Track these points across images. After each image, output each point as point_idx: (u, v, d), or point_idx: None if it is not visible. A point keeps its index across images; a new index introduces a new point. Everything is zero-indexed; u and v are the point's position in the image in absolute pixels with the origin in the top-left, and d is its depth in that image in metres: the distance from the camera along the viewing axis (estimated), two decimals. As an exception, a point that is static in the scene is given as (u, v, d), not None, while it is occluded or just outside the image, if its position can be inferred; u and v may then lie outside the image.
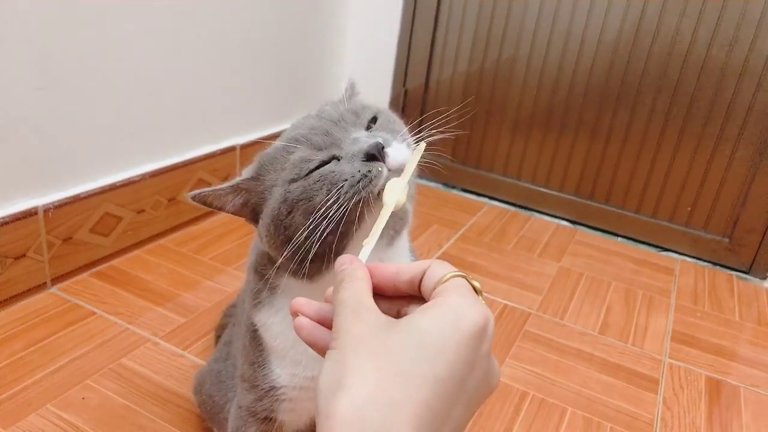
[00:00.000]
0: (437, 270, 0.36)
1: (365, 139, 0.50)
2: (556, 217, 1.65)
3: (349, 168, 0.48)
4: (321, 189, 0.49)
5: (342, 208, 0.47)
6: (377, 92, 1.78)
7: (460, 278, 0.35)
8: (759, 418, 0.99)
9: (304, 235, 0.49)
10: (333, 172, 0.49)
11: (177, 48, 1.24)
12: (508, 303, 1.23)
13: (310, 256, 0.49)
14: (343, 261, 0.38)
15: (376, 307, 0.35)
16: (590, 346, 1.12)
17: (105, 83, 1.11)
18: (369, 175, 0.47)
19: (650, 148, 1.49)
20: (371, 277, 0.37)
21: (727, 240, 1.47)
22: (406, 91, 1.76)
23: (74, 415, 0.84)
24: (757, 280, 1.44)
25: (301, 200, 0.50)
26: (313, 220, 0.48)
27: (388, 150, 0.48)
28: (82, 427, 0.83)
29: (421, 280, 0.37)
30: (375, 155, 0.48)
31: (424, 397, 0.30)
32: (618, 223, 1.58)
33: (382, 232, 0.51)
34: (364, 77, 1.80)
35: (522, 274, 1.35)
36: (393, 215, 0.52)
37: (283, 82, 1.59)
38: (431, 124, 0.53)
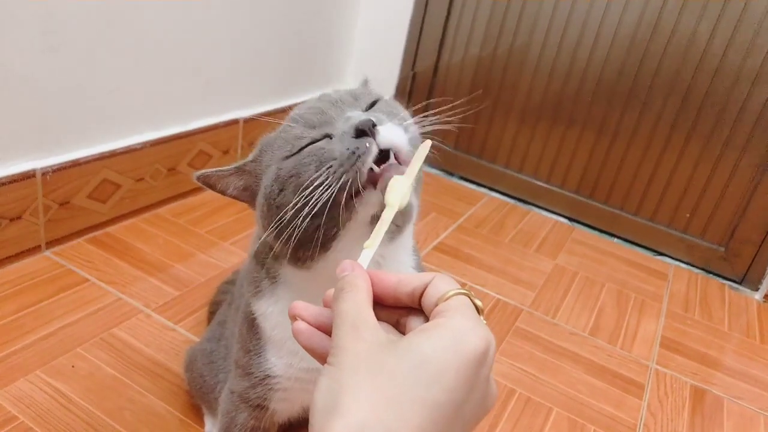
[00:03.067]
0: (440, 285, 0.35)
1: (357, 116, 0.49)
2: (554, 213, 1.64)
3: (338, 146, 0.47)
4: (310, 165, 0.48)
5: (330, 188, 0.46)
6: (386, 74, 1.76)
7: (463, 296, 0.35)
8: (740, 430, 1.00)
9: (291, 212, 0.48)
10: (322, 149, 0.48)
11: (185, 17, 1.21)
12: (501, 297, 1.24)
13: (296, 236, 0.49)
14: (344, 267, 0.37)
15: (376, 322, 0.34)
16: (579, 347, 1.13)
17: (111, 48, 1.09)
18: (357, 152, 0.46)
19: (656, 151, 1.49)
20: (372, 286, 0.37)
21: (722, 249, 1.47)
22: (414, 75, 1.73)
23: (63, 383, 0.84)
24: (748, 291, 1.45)
25: (291, 177, 0.49)
26: (301, 197, 0.47)
27: (379, 127, 0.47)
28: (70, 395, 0.83)
29: (422, 294, 0.36)
30: (365, 131, 0.47)
31: (421, 423, 0.30)
32: (616, 223, 1.58)
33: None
34: (372, 58, 1.78)
35: (517, 269, 1.36)
36: (399, 211, 0.51)
37: (290, 58, 1.56)
38: (436, 113, 0.51)
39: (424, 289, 0.36)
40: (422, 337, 0.32)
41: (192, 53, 1.27)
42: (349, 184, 0.46)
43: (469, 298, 0.35)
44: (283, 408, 0.64)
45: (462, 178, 1.75)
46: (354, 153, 0.46)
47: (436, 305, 0.35)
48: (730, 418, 1.03)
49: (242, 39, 1.39)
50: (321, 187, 0.46)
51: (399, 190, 0.43)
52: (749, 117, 1.37)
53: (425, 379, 0.30)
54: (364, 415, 0.29)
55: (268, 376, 0.60)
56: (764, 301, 1.42)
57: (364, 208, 0.48)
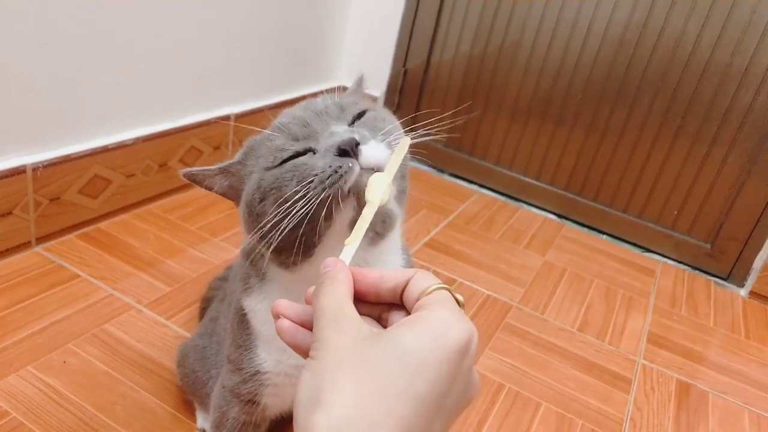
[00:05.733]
0: (421, 281, 0.36)
1: (341, 134, 0.49)
2: (544, 210, 1.66)
3: (321, 162, 0.48)
4: (291, 180, 0.48)
5: (309, 203, 0.46)
6: (377, 71, 1.76)
7: (444, 291, 0.35)
8: (725, 424, 1.02)
9: (271, 224, 0.48)
10: (305, 164, 0.48)
11: (178, 13, 1.21)
12: (491, 294, 1.25)
13: (274, 245, 0.49)
14: (327, 264, 0.37)
15: (357, 315, 0.35)
16: (568, 342, 1.14)
17: (103, 43, 1.09)
18: (339, 171, 0.46)
19: (644, 149, 1.50)
20: (353, 282, 0.37)
21: (709, 246, 1.49)
22: (405, 71, 1.74)
23: (55, 378, 0.85)
24: (734, 287, 1.47)
25: (273, 189, 0.50)
26: (281, 211, 0.47)
27: (362, 147, 0.47)
28: (62, 391, 0.83)
29: (404, 289, 0.36)
30: (348, 151, 0.47)
31: (404, 415, 0.30)
32: (604, 220, 1.59)
33: (367, 231, 0.51)
34: (364, 54, 1.78)
35: (506, 266, 1.37)
36: (378, 217, 0.51)
37: (282, 54, 1.56)
38: (424, 125, 0.51)
39: (406, 285, 0.36)
40: (404, 329, 0.33)
41: (184, 49, 1.26)
42: (329, 200, 0.47)
43: (450, 292, 0.35)
44: (274, 403, 0.64)
45: (453, 175, 1.76)
46: (336, 172, 0.46)
47: (418, 300, 0.35)
48: (714, 412, 1.05)
49: (235, 35, 1.39)
50: (301, 202, 0.46)
51: (379, 187, 0.43)
52: (735, 116, 1.38)
53: (408, 371, 0.31)
54: (347, 408, 0.30)
55: (259, 371, 0.61)
56: (749, 297, 1.44)
57: (342, 217, 0.49)
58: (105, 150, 1.16)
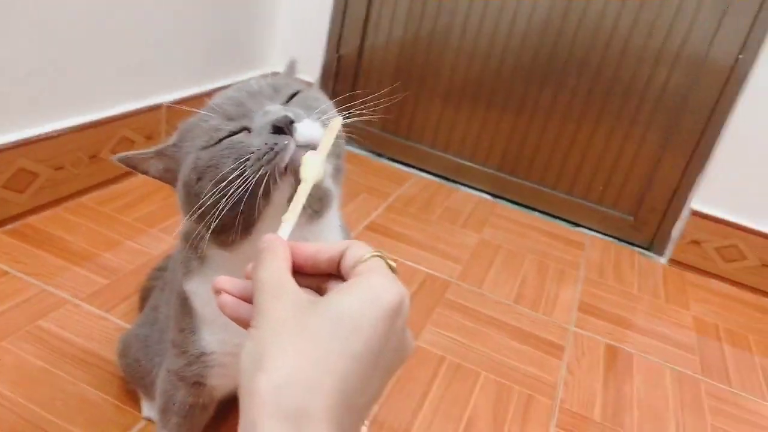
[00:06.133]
0: (356, 250, 0.38)
1: (275, 112, 0.50)
2: (478, 190, 1.71)
3: (256, 140, 0.48)
4: (228, 158, 0.49)
5: (247, 181, 0.47)
6: (311, 57, 1.76)
7: (378, 258, 0.37)
8: (648, 382, 1.10)
9: (210, 203, 0.49)
10: (241, 142, 0.49)
11: (101, -3, 1.18)
12: (431, 272, 1.29)
13: (214, 225, 0.50)
14: (264, 239, 0.39)
15: (295, 285, 0.36)
16: (504, 315, 1.20)
17: (24, 31, 1.04)
18: (275, 148, 0.47)
19: (570, 129, 1.57)
20: (291, 255, 0.38)
21: (632, 218, 1.59)
22: (339, 57, 1.75)
23: (-12, 377, 0.82)
24: (655, 256, 1.57)
25: (209, 168, 0.50)
26: (219, 189, 0.48)
27: (297, 125, 0.48)
28: (-3, 389, 0.81)
29: (340, 260, 0.38)
30: (282, 129, 0.48)
31: (342, 374, 0.32)
32: (536, 198, 1.66)
33: (305, 209, 0.53)
34: (297, 40, 1.78)
35: (445, 245, 1.41)
36: (312, 195, 0.53)
37: (212, 41, 1.54)
38: (358, 104, 0.53)
39: (342, 255, 0.38)
40: (340, 295, 0.35)
41: (111, 36, 1.23)
42: (266, 177, 0.47)
43: (384, 259, 0.37)
44: (221, 383, 0.65)
45: (390, 159, 1.78)
46: (272, 149, 0.47)
47: (354, 268, 0.37)
48: (639, 371, 1.13)
49: (164, 21, 1.35)
50: (238, 180, 0.47)
51: (312, 165, 0.44)
52: (652, 95, 1.47)
53: (344, 333, 0.33)
54: (287, 369, 0.31)
55: (204, 353, 0.62)
56: (669, 265, 1.54)
57: (281, 195, 0.50)
58: (29, 142, 1.11)
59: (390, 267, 0.37)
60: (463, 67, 1.62)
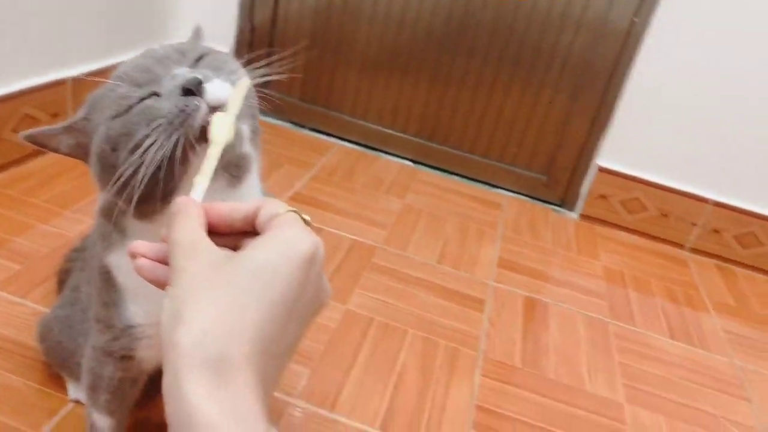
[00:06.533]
0: (270, 207, 0.38)
1: (184, 74, 0.49)
2: (400, 157, 1.75)
3: (167, 104, 0.48)
4: (140, 125, 0.48)
5: (162, 146, 0.47)
6: (223, 27, 1.71)
7: (292, 213, 0.38)
8: (563, 328, 1.18)
9: (129, 172, 0.48)
10: (151, 107, 0.49)
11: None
12: (357, 238, 1.31)
13: (136, 195, 0.49)
14: (177, 201, 0.39)
15: (210, 243, 0.37)
16: (429, 275, 1.25)
17: None
18: (186, 110, 0.47)
19: (483, 94, 1.63)
20: (206, 216, 0.39)
21: (545, 178, 1.67)
22: (252, 28, 1.71)
23: None
24: (567, 212, 1.67)
25: (122, 136, 0.50)
26: (136, 157, 0.48)
27: (207, 85, 0.48)
28: None
29: (255, 218, 0.39)
30: (192, 90, 0.47)
31: (260, 322, 0.33)
32: (454, 162, 1.72)
33: (220, 175, 0.53)
34: (207, 11, 1.72)
35: (369, 212, 1.44)
36: (229, 160, 0.53)
37: (116, 12, 1.47)
38: (266, 64, 0.53)
39: (257, 213, 0.39)
40: (256, 247, 0.36)
41: (3, 7, 1.15)
42: (182, 141, 0.47)
43: (298, 214, 0.38)
44: (150, 355, 0.65)
45: (311, 129, 1.78)
46: (183, 111, 0.47)
47: (268, 223, 0.37)
48: (554, 319, 1.21)
49: (60, -9, 1.28)
50: (153, 146, 0.47)
51: (222, 125, 0.45)
52: (558, 59, 1.55)
53: (260, 283, 0.34)
54: (206, 320, 0.32)
55: (130, 325, 0.61)
56: (580, 220, 1.65)
57: (199, 161, 0.48)
58: None
59: (304, 221, 0.38)
60: (378, 34, 1.63)
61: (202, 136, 0.48)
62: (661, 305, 1.34)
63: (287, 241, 0.36)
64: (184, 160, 0.49)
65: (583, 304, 1.27)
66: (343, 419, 0.87)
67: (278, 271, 0.34)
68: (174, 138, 0.47)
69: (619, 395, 1.04)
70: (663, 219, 1.59)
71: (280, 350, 0.35)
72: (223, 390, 0.31)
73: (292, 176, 1.52)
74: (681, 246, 1.60)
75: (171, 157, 0.48)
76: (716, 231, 1.57)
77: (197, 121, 0.47)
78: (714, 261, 1.59)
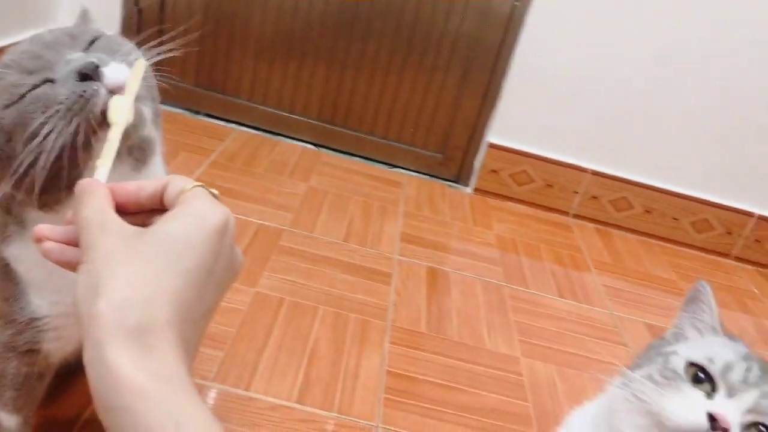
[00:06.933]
0: (178, 183, 0.39)
1: (78, 59, 0.49)
2: (301, 140, 1.76)
3: (63, 90, 0.47)
4: (35, 113, 0.47)
5: (62, 132, 0.46)
6: (107, 11, 1.63)
7: (199, 188, 0.39)
8: (463, 294, 1.26)
9: (27, 162, 0.47)
10: (47, 94, 0.48)
11: None
12: (263, 222, 1.32)
13: (38, 185, 0.48)
14: (81, 183, 0.39)
15: (120, 219, 0.37)
16: (336, 253, 1.28)
17: None
18: (85, 95, 0.46)
19: (379, 77, 1.67)
20: (113, 196, 0.39)
21: (441, 156, 1.75)
22: (140, 11, 1.65)
23: None
24: (462, 187, 1.77)
25: (17, 126, 0.48)
26: (33, 146, 0.47)
27: (104, 69, 0.47)
28: None
29: (162, 195, 0.39)
30: (89, 75, 0.47)
31: (177, 288, 0.35)
32: (356, 144, 1.76)
33: (124, 158, 0.53)
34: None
35: (274, 195, 1.45)
36: (132, 144, 0.53)
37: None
38: (159, 43, 0.53)
39: (164, 190, 0.39)
40: (168, 220, 0.37)
41: None
42: (83, 127, 0.47)
43: (205, 188, 0.39)
44: (56, 347, 0.64)
45: (208, 115, 1.75)
46: (82, 96, 0.46)
47: (177, 199, 0.38)
48: (456, 287, 1.29)
49: None
50: (52, 134, 0.46)
51: (121, 107, 0.45)
52: (447, 42, 1.62)
53: (175, 253, 0.35)
54: (125, 290, 0.33)
55: (34, 318, 0.60)
56: (474, 193, 1.74)
57: (101, 142, 0.48)
58: None
59: (212, 194, 0.40)
60: (273, 19, 1.63)
61: (104, 120, 0.47)
62: (550, 267, 1.46)
63: (198, 213, 0.37)
64: (87, 146, 0.48)
65: (480, 270, 1.36)
66: (259, 396, 0.89)
67: (192, 241, 0.36)
68: (74, 124, 0.46)
69: (515, 350, 1.13)
70: (548, 189, 1.73)
71: (199, 316, 0.37)
72: (147, 355, 0.33)
73: (190, 164, 1.49)
74: (565, 213, 1.75)
75: (73, 144, 0.47)
76: (595, 197, 1.72)
77: (98, 106, 0.47)
78: (593, 225, 1.75)
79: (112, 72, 0.48)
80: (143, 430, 0.31)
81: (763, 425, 0.46)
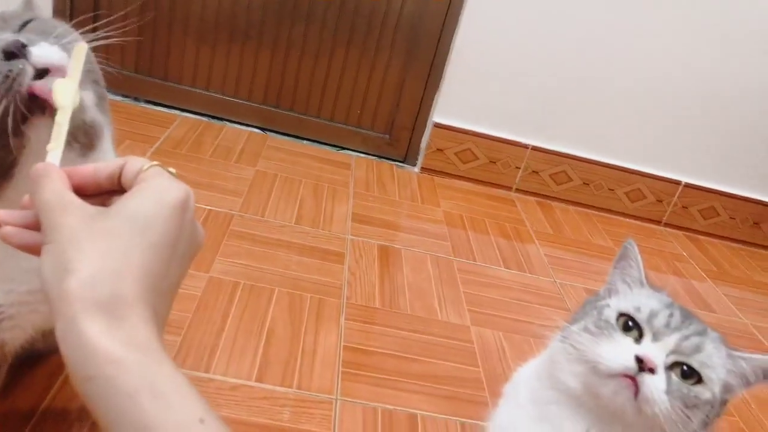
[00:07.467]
0: (135, 163, 0.41)
1: (4, 39, 0.48)
2: (247, 125, 1.75)
3: None
4: None
5: None
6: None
7: (157, 167, 0.41)
8: (415, 270, 1.30)
9: None
10: None
11: None
12: (212, 208, 1.32)
13: None
14: (36, 168, 0.40)
15: (80, 200, 0.38)
16: (289, 235, 1.30)
17: None
18: (10, 75, 0.46)
19: (324, 60, 1.68)
20: (69, 179, 0.40)
21: (388, 137, 1.78)
22: (73, -4, 1.60)
23: None
24: (409, 167, 1.80)
25: None
26: None
27: (31, 48, 0.47)
28: None
29: (120, 176, 0.41)
30: (15, 53, 0.47)
31: (144, 262, 0.36)
32: (303, 127, 1.76)
33: (72, 143, 0.53)
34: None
35: (222, 181, 1.44)
36: (75, 129, 0.52)
37: None
38: (95, 28, 0.53)
39: (122, 171, 0.41)
40: (130, 198, 0.38)
41: None
42: (11, 108, 0.46)
43: (162, 167, 0.41)
44: (12, 336, 0.63)
45: (150, 102, 1.72)
46: (7, 76, 0.45)
47: (136, 178, 0.40)
48: (407, 263, 1.32)
49: None
50: None
51: (65, 90, 0.45)
52: (390, 24, 1.64)
53: (139, 228, 0.37)
54: (93, 266, 0.35)
55: (-12, 308, 0.60)
56: (421, 172, 1.79)
57: (36, 134, 0.48)
58: None
59: (170, 173, 0.41)
60: (214, 2, 1.61)
61: (35, 104, 0.47)
62: (495, 240, 1.52)
63: (159, 190, 0.39)
64: (17, 131, 0.47)
65: (430, 246, 1.41)
66: (219, 377, 0.91)
67: (155, 217, 0.37)
68: (1, 105, 0.46)
69: (465, 320, 1.18)
70: (492, 165, 1.79)
71: (166, 288, 0.39)
72: (120, 326, 0.34)
73: (135, 151, 1.46)
74: (508, 188, 1.81)
75: (2, 129, 0.46)
76: (535, 172, 1.80)
77: (23, 86, 0.46)
78: (535, 198, 1.82)
79: (40, 51, 0.47)
80: (122, 396, 0.33)
81: (686, 364, 0.51)
